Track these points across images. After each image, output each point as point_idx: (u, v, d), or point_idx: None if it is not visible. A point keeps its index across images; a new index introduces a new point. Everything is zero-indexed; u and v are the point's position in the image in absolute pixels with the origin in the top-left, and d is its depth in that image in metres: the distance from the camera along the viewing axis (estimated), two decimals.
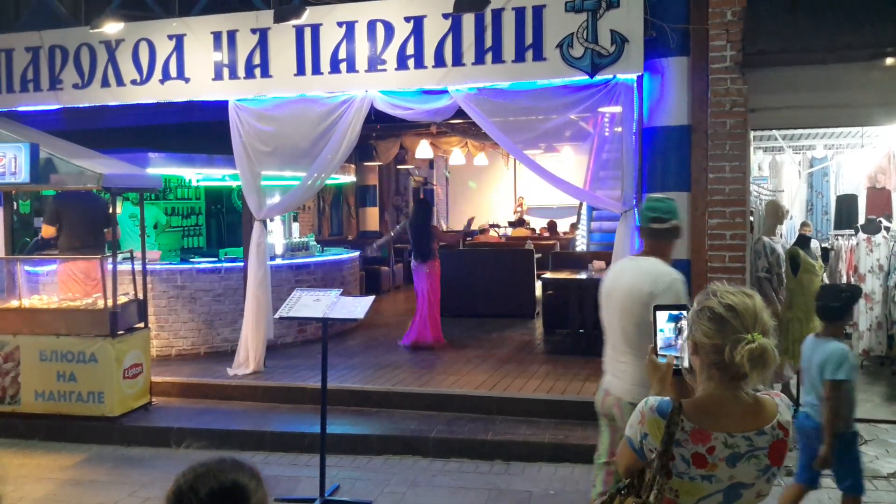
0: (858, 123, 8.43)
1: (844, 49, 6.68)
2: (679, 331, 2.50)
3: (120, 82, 8.53)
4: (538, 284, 11.94)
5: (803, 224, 9.46)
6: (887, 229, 9.09)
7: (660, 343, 2.59)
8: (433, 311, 9.85)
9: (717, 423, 2.19)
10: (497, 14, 7.43)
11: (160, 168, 9.79)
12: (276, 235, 10.71)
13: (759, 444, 2.19)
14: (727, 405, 2.21)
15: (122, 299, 7.56)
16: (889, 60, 6.66)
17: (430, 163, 20.60)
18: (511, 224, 19.12)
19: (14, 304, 7.71)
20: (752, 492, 2.22)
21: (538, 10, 7.34)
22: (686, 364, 2.40)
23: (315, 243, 11.47)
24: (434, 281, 9.85)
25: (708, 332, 2.20)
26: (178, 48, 8.35)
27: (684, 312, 2.45)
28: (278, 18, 7.77)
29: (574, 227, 16.08)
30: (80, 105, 8.81)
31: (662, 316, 2.60)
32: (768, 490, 2.25)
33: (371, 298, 5.90)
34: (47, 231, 8.06)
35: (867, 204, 11.32)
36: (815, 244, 8.43)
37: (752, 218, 7.66)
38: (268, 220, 8.79)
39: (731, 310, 2.19)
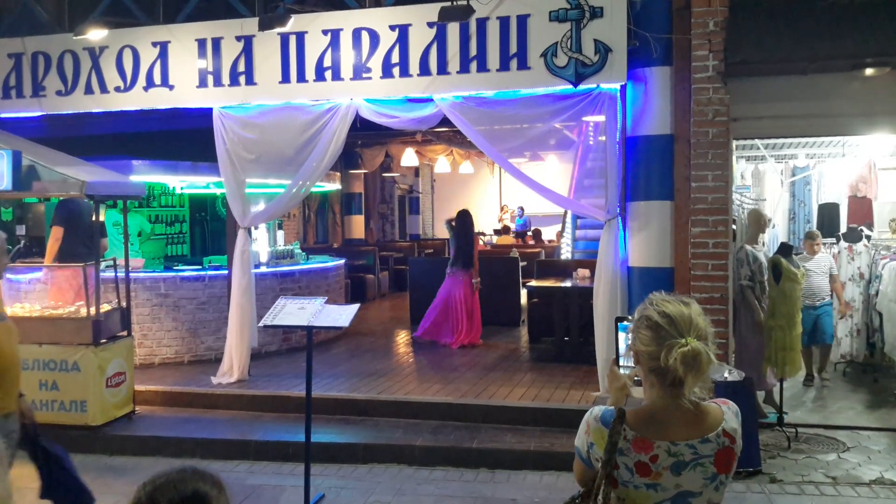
0: (839, 133, 8.52)
1: (825, 59, 6.76)
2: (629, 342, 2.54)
3: (103, 89, 8.49)
4: (523, 292, 11.96)
5: (808, 235, 8.85)
6: (868, 238, 9.19)
7: (619, 354, 2.62)
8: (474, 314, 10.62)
9: (660, 432, 2.21)
10: (482, 23, 7.46)
11: (144, 175, 9.74)
12: (260, 243, 10.67)
13: (704, 451, 2.20)
14: (670, 413, 2.23)
15: (105, 307, 7.50)
16: (869, 71, 6.74)
17: (416, 171, 20.62)
18: (496, 232, 19.15)
19: None
20: (702, 500, 2.23)
21: (522, 20, 7.38)
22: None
23: (300, 251, 11.45)
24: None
25: (645, 339, 2.25)
26: (163, 55, 8.33)
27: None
28: (263, 26, 7.76)
29: (560, 234, 16.13)
30: (64, 112, 8.77)
31: (620, 327, 2.63)
32: (719, 498, 2.26)
33: (356, 306, 5.89)
34: (57, 232, 7.97)
35: (849, 213, 11.43)
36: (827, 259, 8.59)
37: (734, 227, 7.71)
38: (252, 228, 8.77)
39: (667, 317, 2.23)
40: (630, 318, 2.40)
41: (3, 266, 4.35)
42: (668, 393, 2.24)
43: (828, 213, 11.98)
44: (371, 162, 16.32)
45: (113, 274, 7.95)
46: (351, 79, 7.88)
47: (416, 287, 12.37)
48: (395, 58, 7.73)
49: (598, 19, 7.18)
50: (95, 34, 8.18)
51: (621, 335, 2.66)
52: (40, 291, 8.25)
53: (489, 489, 6.07)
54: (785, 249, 7.78)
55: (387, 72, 7.76)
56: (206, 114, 8.37)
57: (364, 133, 11.77)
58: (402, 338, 11.38)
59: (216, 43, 8.19)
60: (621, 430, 2.21)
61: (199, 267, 10.02)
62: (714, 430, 2.22)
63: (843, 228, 10.73)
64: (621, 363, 2.64)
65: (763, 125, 7.45)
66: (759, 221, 7.80)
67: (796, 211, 12.89)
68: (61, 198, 8.14)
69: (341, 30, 7.88)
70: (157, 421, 7.58)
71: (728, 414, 2.28)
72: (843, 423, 7.28)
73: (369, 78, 7.83)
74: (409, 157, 15.60)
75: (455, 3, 7.23)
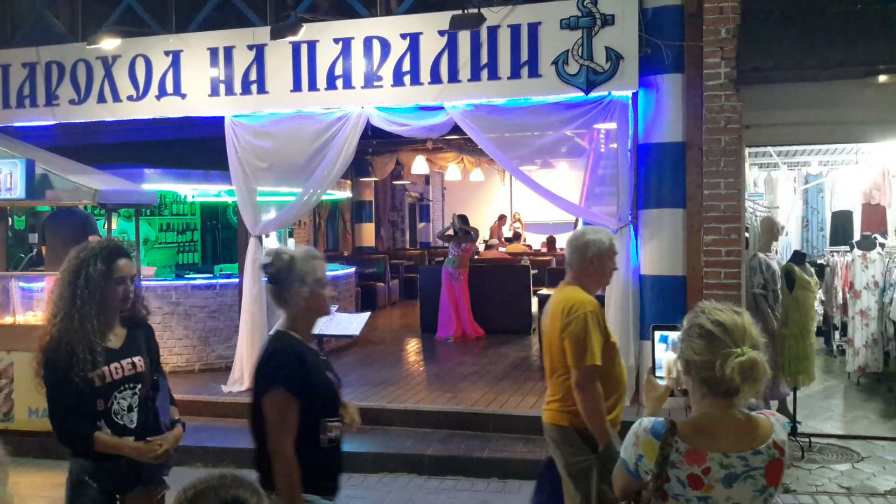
0: (853, 140, 8.46)
1: (838, 66, 6.72)
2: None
3: (116, 98, 8.53)
4: (534, 300, 11.93)
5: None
6: (882, 245, 9.11)
7: (655, 364, 2.57)
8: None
9: (712, 444, 2.17)
10: (493, 31, 7.46)
11: (156, 184, 9.78)
12: None
13: (755, 463, 2.16)
14: (721, 424, 2.19)
15: None
16: (882, 77, 6.70)
17: (427, 178, 20.62)
18: (507, 240, 19.10)
19: (8, 319, 7.67)
20: None
21: (533, 28, 7.38)
22: (666, 383, 2.38)
23: None
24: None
25: (698, 349, 2.20)
26: (175, 64, 8.36)
27: (672, 333, 2.45)
28: (275, 35, 7.79)
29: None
30: (76, 121, 8.83)
31: (657, 336, 2.58)
32: None
33: (367, 315, 5.90)
34: (44, 251, 8.08)
35: (862, 220, 11.35)
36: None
37: (747, 234, 7.66)
38: (263, 236, 8.78)
39: (720, 325, 2.18)
40: (678, 326, 2.33)
41: None
42: (720, 403, 2.20)
43: (841, 221, 11.90)
44: (382, 170, 16.33)
45: None
46: (362, 87, 7.89)
47: (427, 295, 12.35)
48: (406, 66, 7.73)
49: (610, 27, 7.17)
50: (108, 43, 8.22)
51: (658, 345, 2.59)
52: (46, 300, 8.28)
53: (500, 499, 6.04)
54: (798, 257, 7.72)
55: (398, 80, 7.77)
56: (217, 122, 8.40)
57: (375, 141, 11.80)
58: (413, 346, 11.36)
59: (228, 52, 8.22)
60: (673, 441, 2.16)
61: (211, 275, 10.04)
62: (765, 442, 2.19)
63: (856, 236, 10.65)
64: (657, 373, 2.58)
65: (775, 132, 7.41)
66: (772, 229, 7.75)
67: (809, 218, 12.82)
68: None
69: (352, 38, 7.89)
70: None
71: (777, 425, 2.24)
72: (858, 433, 7.20)
73: (380, 86, 7.83)
74: (419, 165, 15.60)
75: (466, 11, 7.23)
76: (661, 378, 2.53)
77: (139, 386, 3.31)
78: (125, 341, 3.35)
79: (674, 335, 2.45)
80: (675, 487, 2.16)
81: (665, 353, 2.43)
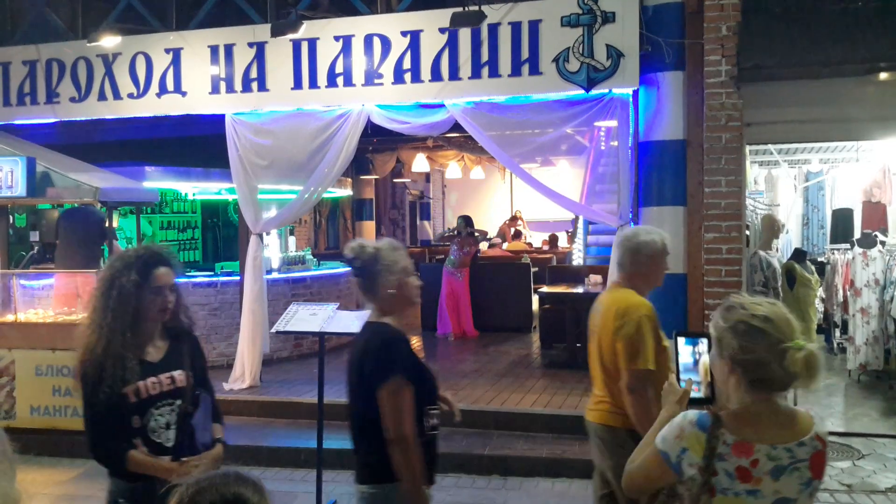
0: (853, 138, 8.47)
1: (839, 64, 6.72)
2: (698, 356, 2.46)
3: (117, 96, 8.53)
4: (535, 298, 11.94)
5: None
6: (883, 243, 9.11)
7: (680, 368, 2.55)
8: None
9: (759, 435, 2.13)
10: (493, 29, 7.46)
11: (157, 181, 9.78)
12: (272, 249, 10.68)
13: (800, 455, 2.14)
14: (766, 417, 2.17)
15: None
16: (883, 75, 6.70)
17: (427, 176, 20.61)
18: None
19: (10, 317, 7.67)
20: None
21: (534, 25, 7.37)
22: (703, 391, 2.37)
23: (311, 257, 11.45)
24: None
25: (746, 346, 2.14)
26: (175, 62, 8.36)
27: (701, 339, 2.43)
28: (275, 32, 7.79)
29: (571, 238, 16.08)
30: (77, 118, 8.82)
31: (681, 341, 2.55)
32: None
33: (368, 312, 5.87)
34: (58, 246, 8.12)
35: (863, 218, 11.36)
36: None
37: (748, 232, 7.67)
38: (264, 234, 8.79)
39: (768, 321, 2.14)
40: (715, 325, 2.26)
41: None
42: (764, 397, 2.17)
43: (842, 219, 11.91)
44: (382, 167, 16.32)
45: None
46: (363, 85, 7.89)
47: (427, 292, 12.31)
48: (407, 63, 7.73)
49: (611, 24, 7.17)
50: (109, 41, 8.22)
51: (687, 349, 2.54)
52: (54, 297, 8.29)
53: (501, 496, 6.05)
54: (799, 255, 7.73)
55: (398, 77, 7.76)
56: (218, 120, 8.40)
57: (375, 139, 11.80)
58: (414, 343, 11.34)
59: (228, 49, 8.22)
60: (720, 433, 2.12)
61: (212, 273, 10.04)
62: (808, 434, 2.16)
63: (857, 234, 10.66)
64: (682, 376, 2.54)
65: (776, 130, 7.41)
66: (772, 227, 7.76)
67: (810, 216, 12.83)
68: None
69: (353, 36, 7.89)
70: None
71: (816, 418, 2.22)
72: (858, 431, 7.21)
73: (381, 84, 7.83)
74: (420, 163, 15.59)
75: (467, 8, 7.23)
76: (683, 382, 2.50)
77: (178, 402, 3.13)
78: (166, 354, 3.16)
79: (702, 340, 2.43)
80: (722, 481, 2.12)
81: (704, 355, 2.40)
